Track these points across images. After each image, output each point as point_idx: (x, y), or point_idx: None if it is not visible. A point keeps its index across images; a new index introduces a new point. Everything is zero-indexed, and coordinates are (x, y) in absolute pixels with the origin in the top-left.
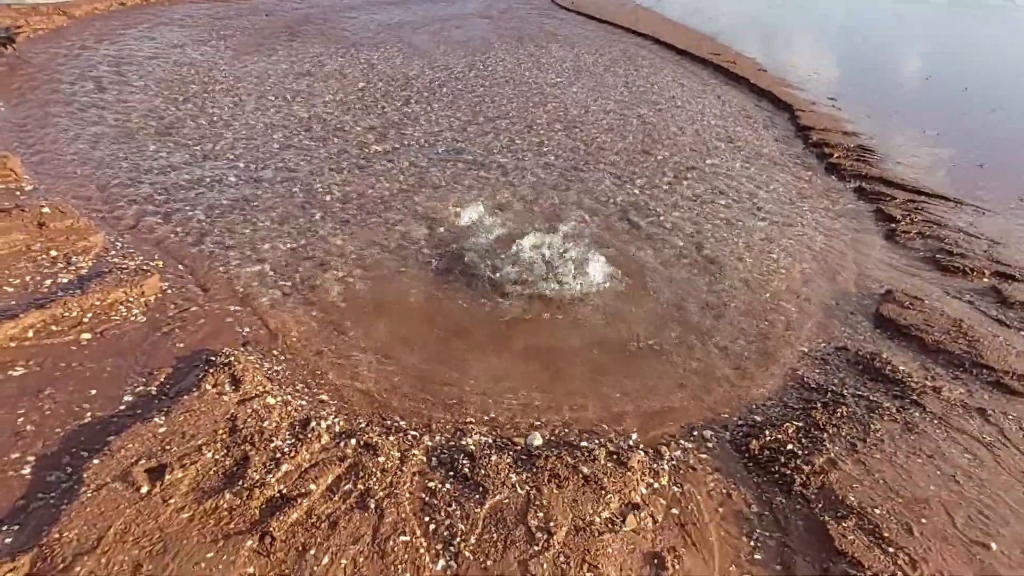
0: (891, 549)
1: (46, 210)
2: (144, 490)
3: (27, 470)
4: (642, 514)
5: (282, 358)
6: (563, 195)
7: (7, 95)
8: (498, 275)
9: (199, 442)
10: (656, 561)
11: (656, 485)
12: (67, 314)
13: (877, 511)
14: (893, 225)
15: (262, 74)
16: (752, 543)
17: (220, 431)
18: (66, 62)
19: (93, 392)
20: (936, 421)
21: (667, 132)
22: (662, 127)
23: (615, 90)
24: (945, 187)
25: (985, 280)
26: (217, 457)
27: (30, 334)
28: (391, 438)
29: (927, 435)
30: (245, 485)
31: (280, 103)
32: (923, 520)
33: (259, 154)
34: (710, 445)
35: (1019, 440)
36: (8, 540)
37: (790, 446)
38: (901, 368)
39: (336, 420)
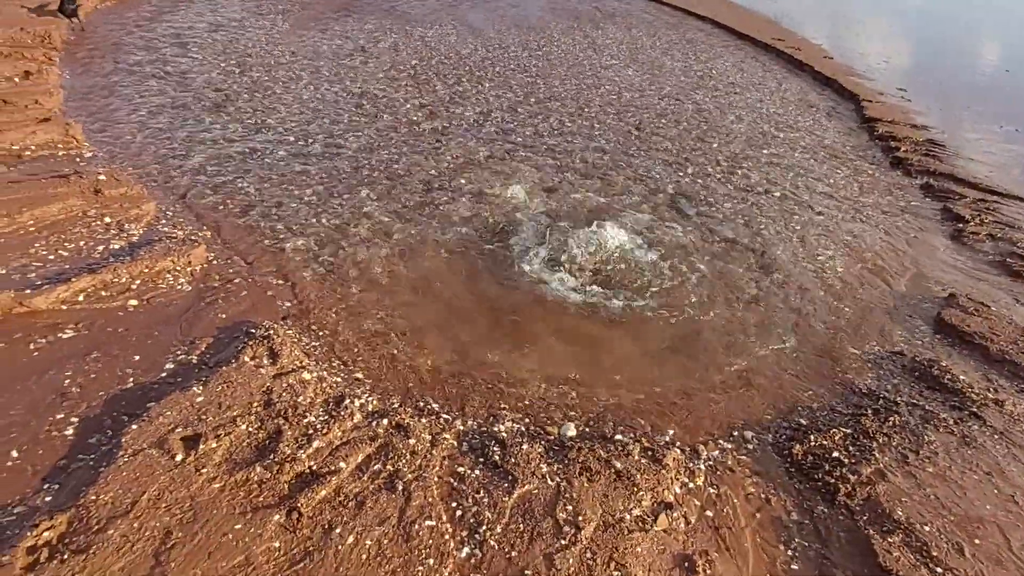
0: (939, 569)
1: (102, 177)
2: (179, 458)
3: (70, 431)
4: (674, 514)
5: (320, 334)
6: (612, 180)
7: (74, 64)
8: (541, 261)
9: (234, 413)
10: (686, 564)
11: (691, 485)
12: (116, 280)
13: (926, 528)
14: (961, 225)
15: (317, 49)
16: (789, 552)
17: (255, 404)
18: (131, 32)
19: (137, 358)
20: (996, 436)
21: (724, 119)
22: (719, 114)
23: (672, 74)
24: (1021, 187)
25: None
26: (251, 429)
27: (81, 298)
28: (423, 420)
29: (986, 450)
30: (276, 459)
31: (333, 79)
32: (976, 541)
33: (309, 129)
34: (750, 447)
35: None
36: (48, 498)
37: (836, 453)
38: (961, 378)
39: (370, 399)
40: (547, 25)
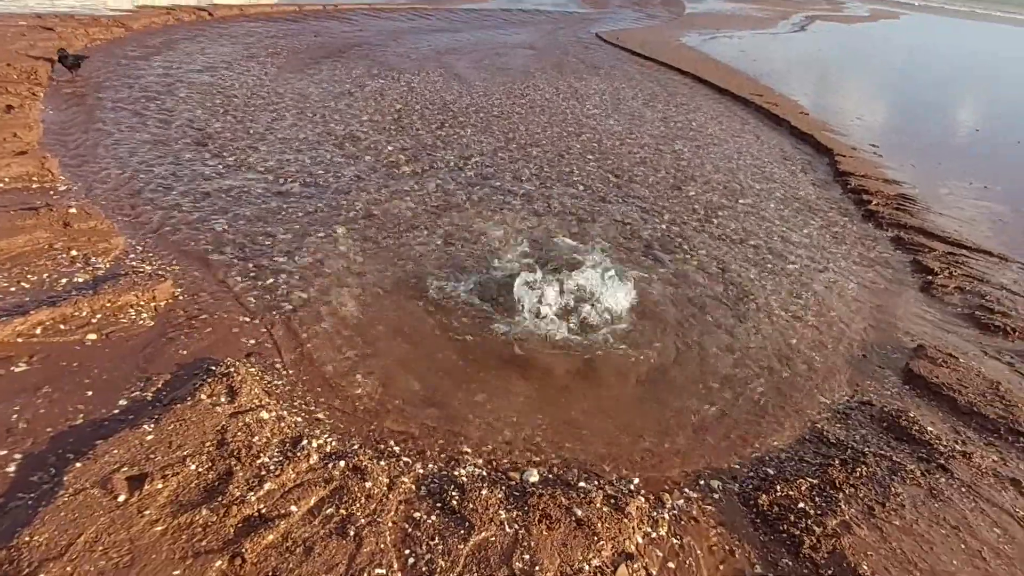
0: None
1: (73, 210)
2: (121, 498)
3: (12, 468)
4: (635, 565)
5: (284, 372)
6: (588, 226)
7: (57, 100)
8: (512, 305)
9: (184, 453)
10: None
11: (654, 535)
12: (76, 314)
13: None
14: (930, 278)
15: (304, 92)
16: None
17: (208, 443)
18: (118, 71)
19: (89, 394)
20: (964, 489)
21: (701, 169)
22: (697, 163)
23: (652, 124)
24: (990, 241)
25: None
26: (200, 470)
27: (38, 331)
28: (382, 463)
29: (953, 504)
30: (223, 501)
31: (317, 120)
32: None
33: (290, 168)
34: (716, 496)
35: None
36: None
37: (802, 504)
38: (929, 429)
39: (329, 440)
40: (532, 75)
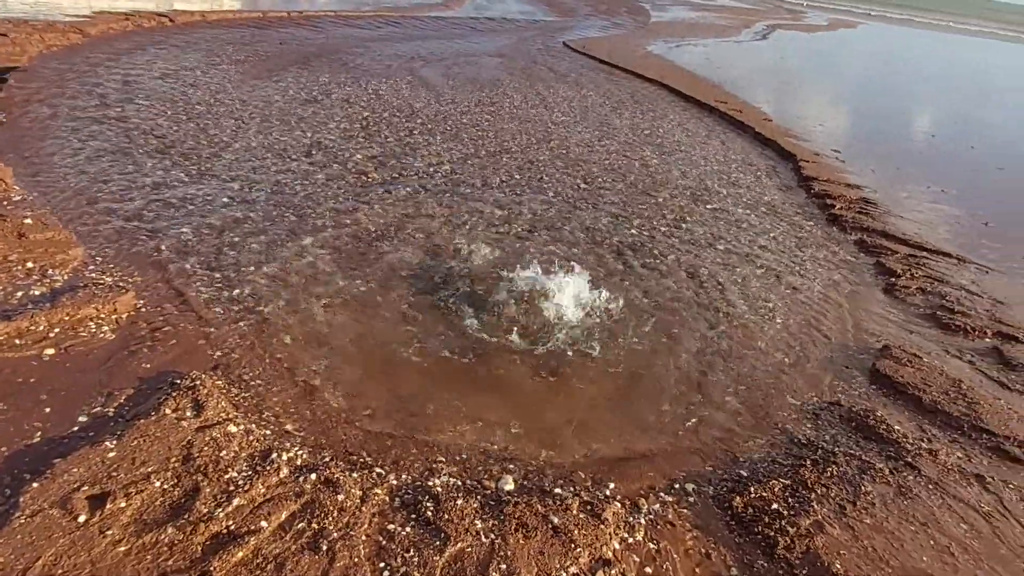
0: None
1: (28, 221)
2: (82, 519)
3: None
4: (613, 571)
5: (252, 384)
6: (558, 232)
7: (10, 107)
8: (483, 312)
9: (148, 470)
10: None
11: (631, 540)
12: (33, 328)
13: None
14: (893, 279)
15: (269, 99)
16: None
17: (173, 459)
18: (74, 78)
19: (47, 411)
20: (931, 486)
21: (669, 175)
22: (664, 169)
23: (620, 131)
24: (948, 244)
25: (987, 340)
26: (165, 487)
27: None
28: (354, 474)
29: (921, 501)
30: (190, 519)
31: (283, 127)
32: None
33: (255, 176)
34: (691, 500)
35: (1019, 511)
36: None
37: (775, 505)
38: (896, 428)
39: (300, 452)
40: (500, 83)
